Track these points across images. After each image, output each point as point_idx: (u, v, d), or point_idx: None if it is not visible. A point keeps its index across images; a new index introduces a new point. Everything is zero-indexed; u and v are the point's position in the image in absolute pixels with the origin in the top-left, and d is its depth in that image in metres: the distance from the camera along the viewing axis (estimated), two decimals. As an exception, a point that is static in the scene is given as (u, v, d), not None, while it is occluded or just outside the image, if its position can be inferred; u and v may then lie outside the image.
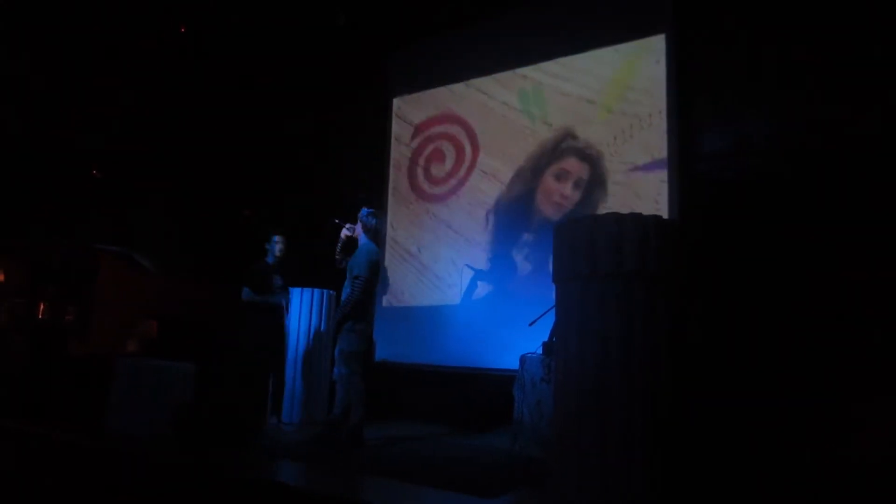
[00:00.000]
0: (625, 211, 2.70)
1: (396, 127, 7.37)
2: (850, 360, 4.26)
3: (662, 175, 5.37)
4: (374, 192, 7.34)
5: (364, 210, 4.90)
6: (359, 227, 4.83)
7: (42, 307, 10.43)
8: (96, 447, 4.22)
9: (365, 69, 7.62)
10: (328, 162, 7.92)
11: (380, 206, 7.24)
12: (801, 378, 4.36)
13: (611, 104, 5.79)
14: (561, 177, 6.00)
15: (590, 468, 2.47)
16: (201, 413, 4.17)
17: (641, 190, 5.48)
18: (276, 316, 5.45)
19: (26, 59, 7.33)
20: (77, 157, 8.43)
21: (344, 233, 4.90)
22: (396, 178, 7.24)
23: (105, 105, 8.01)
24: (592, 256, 2.62)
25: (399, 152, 7.28)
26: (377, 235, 4.95)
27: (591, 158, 5.83)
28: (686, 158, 5.32)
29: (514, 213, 6.24)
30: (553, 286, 2.90)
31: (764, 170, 4.96)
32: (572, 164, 5.95)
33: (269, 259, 5.52)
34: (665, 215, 5.09)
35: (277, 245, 5.46)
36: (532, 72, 6.35)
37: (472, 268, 6.37)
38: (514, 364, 4.89)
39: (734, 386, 4.40)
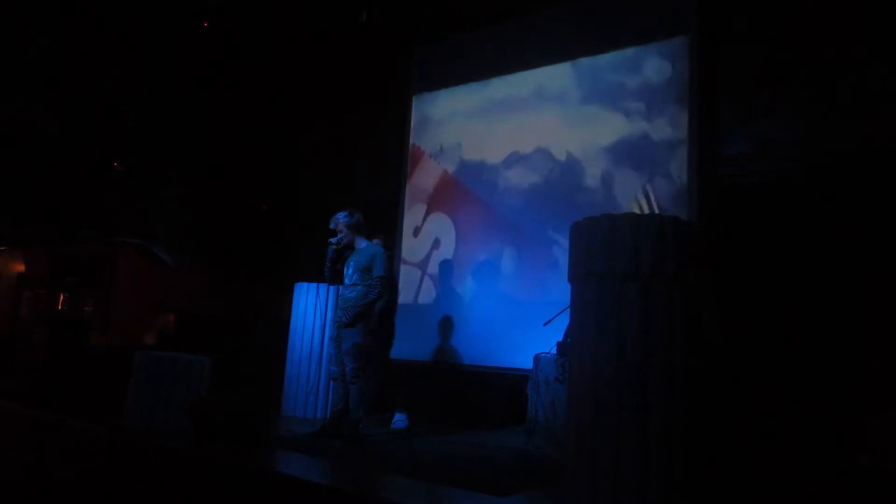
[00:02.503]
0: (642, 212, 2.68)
1: (415, 123, 7.37)
2: (872, 365, 4.20)
3: (683, 177, 5.32)
4: (391, 188, 7.35)
5: (340, 214, 4.72)
6: (345, 231, 4.66)
7: (62, 298, 10.59)
8: (114, 438, 4.27)
9: (385, 66, 7.63)
10: (346, 158, 7.95)
11: (397, 202, 7.26)
12: (821, 381, 4.30)
13: (632, 106, 5.74)
14: (579, 176, 5.98)
15: (604, 469, 2.46)
16: (217, 406, 4.20)
17: (661, 192, 5.43)
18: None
19: (47, 52, 7.41)
20: (98, 150, 8.52)
21: (332, 249, 4.70)
22: (414, 174, 7.24)
23: (126, 98, 8.09)
24: (609, 256, 2.60)
25: (417, 148, 7.28)
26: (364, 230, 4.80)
27: (611, 158, 5.80)
28: (708, 161, 5.27)
29: (532, 211, 6.22)
30: (568, 286, 2.89)
31: (786, 174, 4.90)
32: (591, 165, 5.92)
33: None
34: (685, 218, 5.04)
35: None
36: (553, 71, 6.32)
37: (484, 265, 6.36)
38: (528, 364, 4.87)
39: (753, 388, 4.36)
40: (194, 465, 3.72)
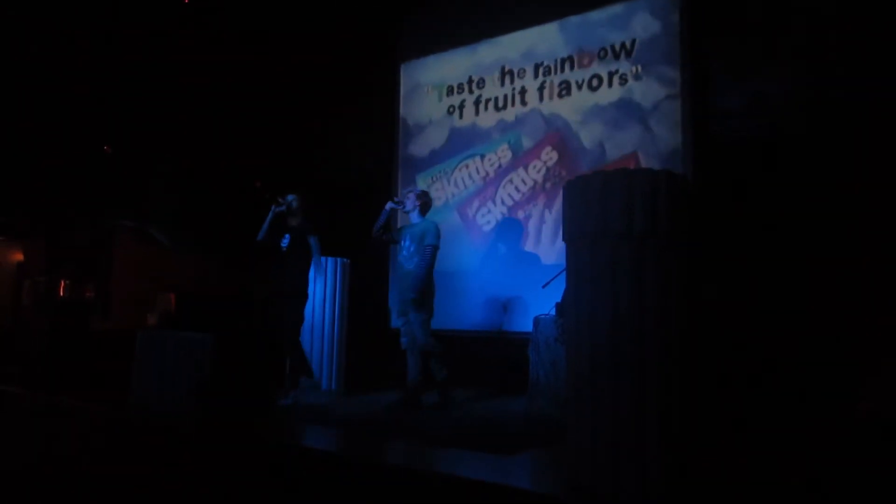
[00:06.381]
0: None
1: (405, 92, 7.29)
2: (868, 319, 4.22)
3: (676, 134, 5.29)
4: (383, 158, 7.30)
5: (419, 189, 5.10)
6: (412, 201, 4.92)
7: (62, 285, 10.59)
8: (120, 419, 4.32)
9: (372, 34, 7.51)
10: (336, 130, 7.88)
11: (389, 173, 7.21)
12: (817, 337, 4.33)
13: (623, 62, 5.68)
14: (572, 137, 5.93)
15: (603, 426, 2.49)
16: (220, 383, 4.24)
17: (655, 149, 5.41)
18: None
19: (34, 39, 7.31)
20: (88, 134, 8.44)
21: (389, 206, 4.95)
22: (405, 143, 7.19)
23: (115, 79, 7.98)
24: (603, 214, 2.59)
25: (407, 118, 7.21)
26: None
27: (603, 118, 5.75)
28: (700, 117, 5.22)
29: (528, 173, 6.19)
30: (564, 246, 2.88)
31: (780, 127, 4.85)
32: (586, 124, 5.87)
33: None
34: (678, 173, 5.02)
35: (284, 206, 5.11)
36: (541, 31, 6.23)
37: (482, 230, 6.36)
38: (528, 326, 4.90)
39: (748, 345, 4.39)
40: (200, 442, 3.77)
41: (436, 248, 4.76)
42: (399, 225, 5.79)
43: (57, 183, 8.72)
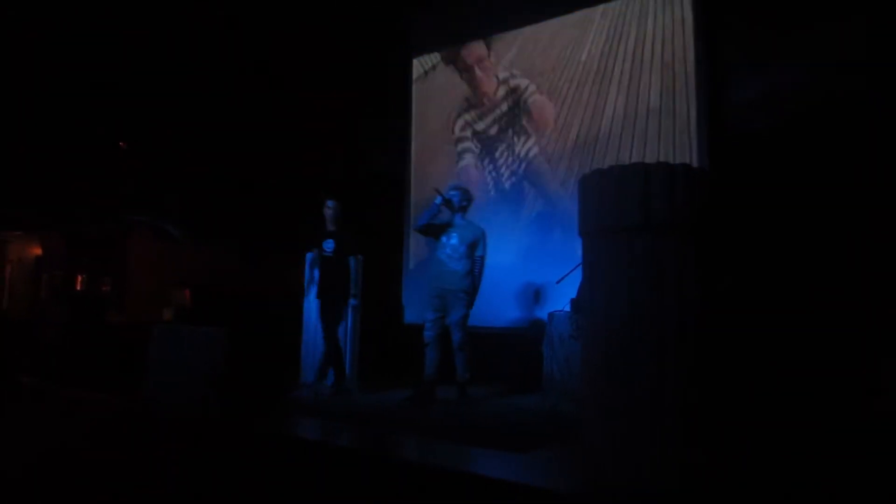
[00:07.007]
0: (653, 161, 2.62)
1: (417, 88, 7.26)
2: (888, 312, 4.15)
3: (691, 125, 5.22)
4: (397, 154, 7.28)
5: (463, 187, 5.06)
6: (459, 200, 4.92)
7: (80, 279, 10.73)
8: (135, 410, 4.35)
9: (384, 28, 7.49)
10: (350, 125, 7.87)
11: (404, 166, 7.19)
12: (836, 330, 4.26)
13: (637, 54, 5.61)
14: (586, 131, 5.88)
15: (619, 420, 2.45)
16: (234, 376, 4.25)
17: (669, 141, 5.34)
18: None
19: (54, 38, 7.38)
20: (104, 130, 8.52)
21: (439, 200, 4.90)
22: (419, 138, 7.16)
23: (130, 76, 8.04)
24: (620, 208, 2.55)
25: (420, 112, 7.19)
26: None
27: (618, 111, 5.69)
28: (715, 107, 5.15)
29: (542, 166, 6.14)
30: (580, 241, 2.85)
31: (796, 117, 4.77)
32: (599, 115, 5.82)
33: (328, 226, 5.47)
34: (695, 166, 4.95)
35: (329, 212, 5.38)
36: (555, 24, 6.18)
37: (496, 226, 6.32)
38: (542, 322, 4.87)
39: (766, 336, 4.32)
40: (214, 433, 3.78)
41: (483, 259, 4.92)
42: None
43: (74, 179, 8.81)
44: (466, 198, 4.99)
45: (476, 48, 6.77)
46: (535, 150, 6.22)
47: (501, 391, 5.37)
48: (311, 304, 5.82)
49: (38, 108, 8.03)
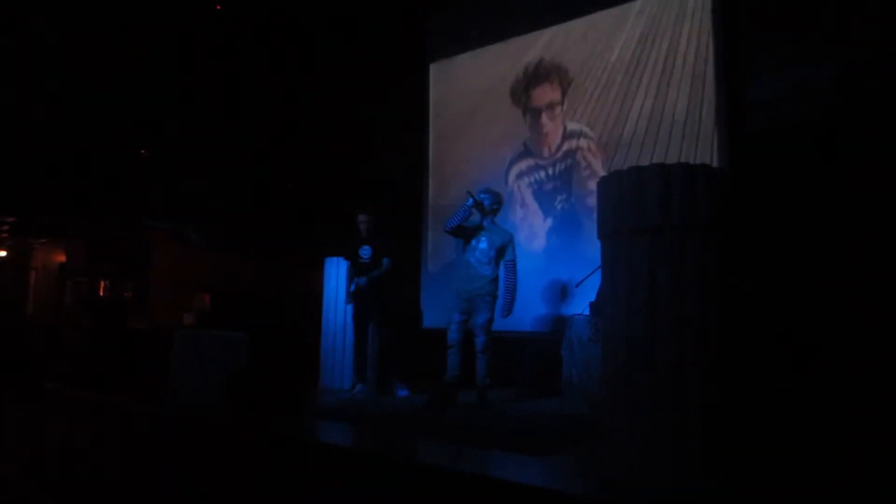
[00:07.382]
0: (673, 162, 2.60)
1: (434, 93, 7.27)
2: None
3: (711, 124, 5.17)
4: (414, 159, 7.29)
5: (494, 191, 5.05)
6: (490, 203, 4.91)
7: (102, 285, 10.88)
8: (157, 414, 4.40)
9: (400, 33, 7.52)
10: (367, 131, 7.91)
11: (421, 171, 7.21)
12: (859, 331, 4.18)
13: (655, 50, 5.57)
14: (605, 132, 5.85)
15: (641, 423, 2.43)
16: (255, 380, 4.29)
17: (689, 140, 5.29)
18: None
19: (77, 45, 7.51)
20: (127, 139, 8.64)
21: (471, 202, 4.90)
22: (436, 141, 7.17)
23: (152, 84, 8.15)
24: (640, 210, 2.53)
25: (438, 118, 7.20)
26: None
27: (637, 112, 5.66)
28: (736, 106, 5.09)
29: (561, 169, 6.12)
30: (598, 244, 2.83)
31: (818, 116, 4.70)
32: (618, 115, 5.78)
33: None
34: (715, 165, 4.90)
35: (363, 224, 5.53)
36: (573, 27, 6.16)
37: (513, 229, 6.30)
38: (561, 326, 4.85)
39: (788, 339, 4.26)
40: (235, 438, 3.81)
41: (515, 263, 4.96)
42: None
43: (97, 187, 8.94)
44: (497, 201, 4.97)
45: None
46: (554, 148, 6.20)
47: (520, 395, 5.35)
48: (329, 309, 5.87)
49: (61, 116, 8.17)
